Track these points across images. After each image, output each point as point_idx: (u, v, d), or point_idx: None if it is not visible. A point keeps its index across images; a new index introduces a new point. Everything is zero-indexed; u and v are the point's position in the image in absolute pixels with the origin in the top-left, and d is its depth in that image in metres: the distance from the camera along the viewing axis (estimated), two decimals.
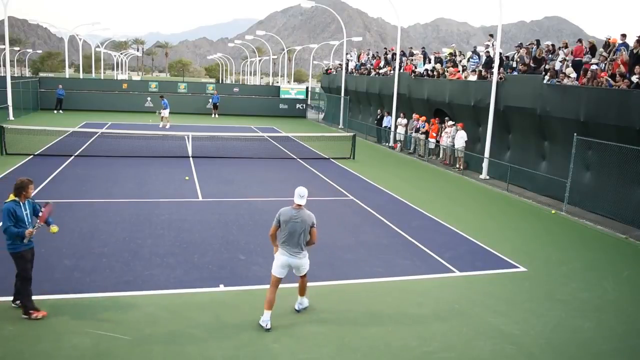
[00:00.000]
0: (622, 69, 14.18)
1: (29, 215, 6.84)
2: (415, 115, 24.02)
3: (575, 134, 14.25)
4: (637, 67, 13.53)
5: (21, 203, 6.77)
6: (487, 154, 18.69)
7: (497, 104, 18.25)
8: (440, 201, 15.07)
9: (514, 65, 18.98)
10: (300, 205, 6.84)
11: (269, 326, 6.82)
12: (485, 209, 14.56)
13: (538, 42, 19.31)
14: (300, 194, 6.85)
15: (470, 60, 22.04)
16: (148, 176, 16.13)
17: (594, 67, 15.16)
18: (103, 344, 6.31)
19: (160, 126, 29.52)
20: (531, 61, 17.64)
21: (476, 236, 11.57)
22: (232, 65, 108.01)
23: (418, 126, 23.51)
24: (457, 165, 20.20)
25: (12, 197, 6.79)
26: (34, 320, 6.78)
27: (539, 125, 16.61)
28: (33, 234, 6.73)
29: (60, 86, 36.16)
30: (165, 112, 29.59)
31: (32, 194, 6.96)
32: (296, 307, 7.44)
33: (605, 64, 15.22)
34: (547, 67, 16.95)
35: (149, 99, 38.54)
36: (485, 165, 18.74)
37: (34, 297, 7.42)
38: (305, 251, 7.02)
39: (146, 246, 9.76)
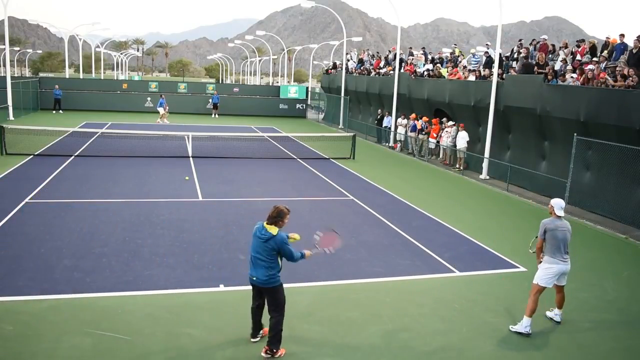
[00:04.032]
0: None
1: None
2: (412, 116, 24.02)
3: (575, 134, 14.25)
4: (630, 69, 13.54)
5: None
6: (487, 154, 18.69)
7: (497, 104, 18.25)
8: (440, 201, 15.07)
9: (514, 65, 18.95)
10: (560, 216, 7.22)
11: (530, 331, 7.12)
12: (485, 209, 14.55)
13: (536, 46, 19.30)
14: (561, 206, 7.27)
15: (472, 60, 22.04)
16: (148, 176, 16.12)
17: (591, 66, 15.12)
18: (103, 344, 6.31)
19: (164, 123, 30.81)
20: (535, 67, 17.57)
21: (476, 236, 11.56)
22: (232, 66, 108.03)
23: (415, 125, 23.48)
24: (457, 166, 20.19)
25: (272, 228, 6.02)
26: (33, 320, 6.76)
27: (539, 125, 16.61)
28: (311, 255, 6.32)
29: (57, 86, 36.18)
30: (161, 110, 31.47)
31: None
32: (558, 319, 7.59)
33: (606, 65, 15.21)
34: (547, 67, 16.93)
35: (149, 99, 38.55)
36: (485, 165, 18.74)
37: (33, 297, 7.45)
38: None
39: (146, 246, 9.76)
